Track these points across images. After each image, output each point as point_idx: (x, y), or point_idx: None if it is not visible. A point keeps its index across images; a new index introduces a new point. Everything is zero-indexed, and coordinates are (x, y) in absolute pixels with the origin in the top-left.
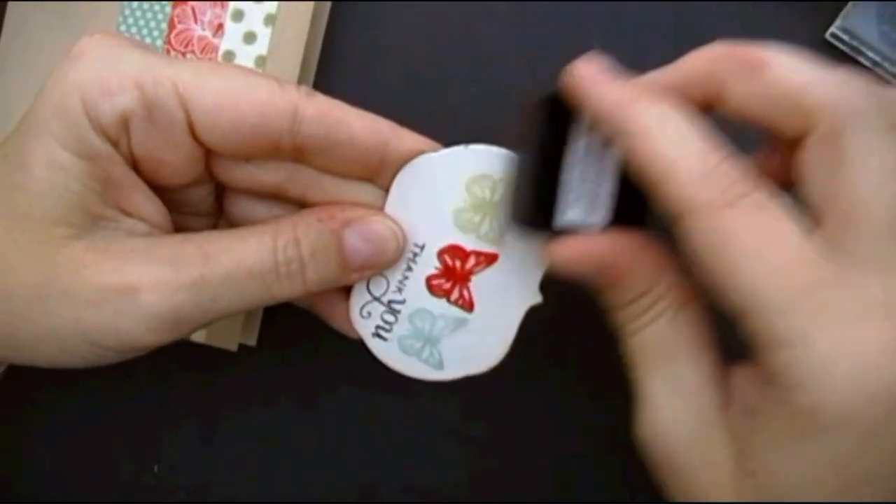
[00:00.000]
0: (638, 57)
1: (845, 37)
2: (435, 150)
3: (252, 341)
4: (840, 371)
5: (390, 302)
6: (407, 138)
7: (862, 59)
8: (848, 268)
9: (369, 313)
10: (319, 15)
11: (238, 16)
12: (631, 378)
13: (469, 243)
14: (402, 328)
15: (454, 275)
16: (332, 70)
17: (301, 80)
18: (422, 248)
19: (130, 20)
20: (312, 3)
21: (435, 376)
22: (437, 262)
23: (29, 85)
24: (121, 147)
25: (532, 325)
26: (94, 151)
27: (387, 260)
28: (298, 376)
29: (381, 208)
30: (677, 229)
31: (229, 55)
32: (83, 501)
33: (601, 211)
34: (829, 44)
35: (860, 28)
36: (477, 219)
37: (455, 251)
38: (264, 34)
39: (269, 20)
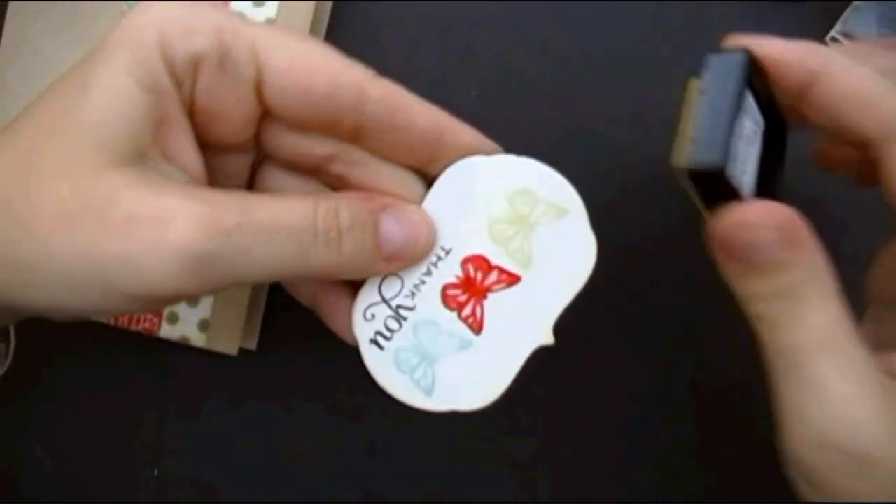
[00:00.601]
0: (640, 58)
1: (845, 41)
2: (492, 152)
3: (252, 345)
4: None
5: (399, 307)
6: (465, 133)
7: None
8: None
9: (373, 315)
10: (320, 16)
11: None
12: (781, 377)
13: (496, 257)
14: (403, 338)
15: (472, 287)
16: None
17: None
18: (447, 252)
19: None
20: (313, 4)
21: (420, 402)
22: (459, 270)
23: (29, 87)
24: (184, 89)
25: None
26: (159, 86)
27: (417, 252)
28: (299, 381)
29: (420, 203)
30: (878, 154)
31: None
32: (84, 502)
33: (749, 179)
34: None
35: (860, 31)
36: (511, 232)
37: (480, 262)
38: None
39: (270, 23)
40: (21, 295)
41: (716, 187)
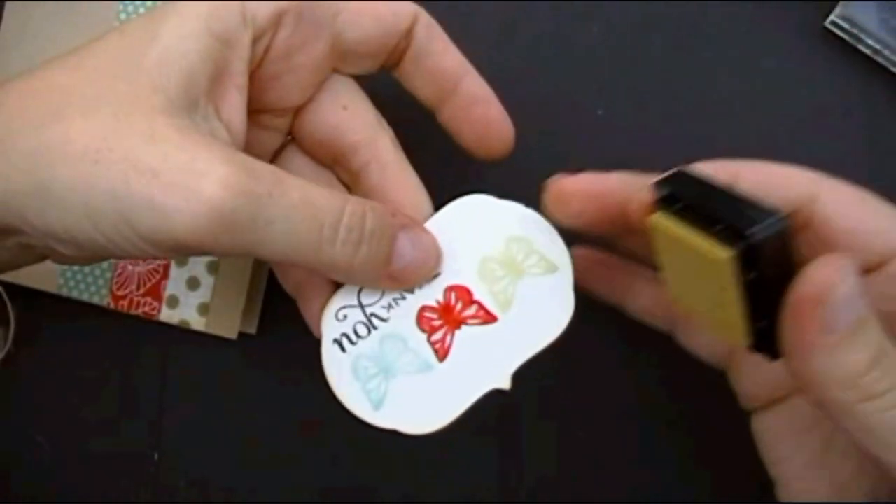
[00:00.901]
0: (636, 48)
1: (845, 24)
2: (499, 116)
3: (252, 329)
4: None
5: (373, 315)
6: (480, 86)
7: (861, 47)
8: None
9: (345, 317)
10: None
11: None
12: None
13: (479, 293)
14: (367, 346)
15: (449, 315)
16: None
17: None
18: (435, 277)
19: (130, 8)
20: None
21: (366, 414)
22: (441, 295)
23: None
24: (259, 45)
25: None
26: (229, 36)
27: (419, 277)
28: (298, 364)
29: (425, 215)
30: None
31: None
32: (84, 489)
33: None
34: (829, 31)
35: (860, 16)
36: (500, 273)
37: (463, 293)
38: None
39: None
40: (38, 217)
41: (781, 255)
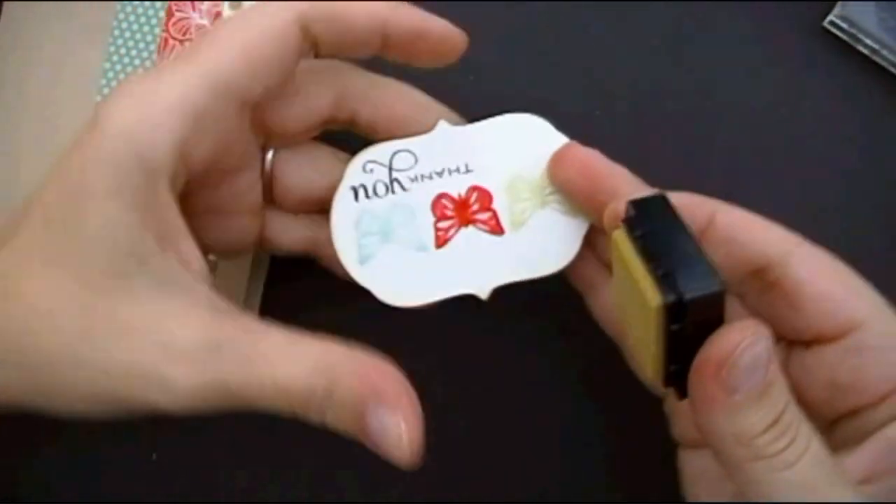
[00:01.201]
0: (634, 47)
1: (844, 24)
2: (435, 23)
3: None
4: None
5: (396, 180)
6: (404, 13)
7: (860, 47)
8: None
9: (371, 170)
10: None
11: (236, 4)
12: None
13: (499, 203)
14: (378, 205)
15: (463, 211)
16: None
17: None
18: (467, 171)
19: (129, 8)
20: None
21: (349, 264)
22: (464, 190)
23: (26, 85)
24: (178, 179)
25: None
26: (149, 199)
27: (391, 458)
28: None
29: (428, 108)
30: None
31: None
32: (82, 487)
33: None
34: (828, 31)
35: (858, 16)
36: (525, 195)
37: (484, 196)
38: None
39: None
40: (46, 402)
41: (708, 315)
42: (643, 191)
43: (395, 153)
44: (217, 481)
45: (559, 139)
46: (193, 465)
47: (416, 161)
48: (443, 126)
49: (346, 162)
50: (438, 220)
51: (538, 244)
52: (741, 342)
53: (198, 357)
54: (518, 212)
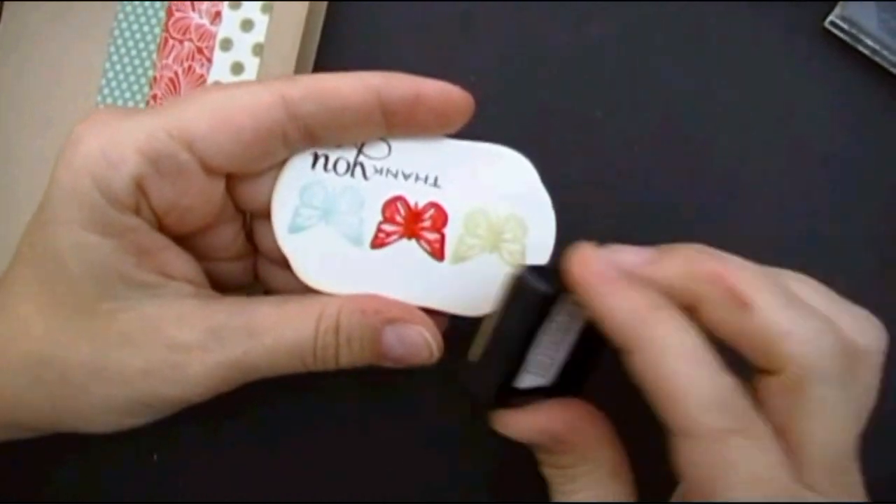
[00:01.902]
0: (635, 48)
1: (844, 25)
2: (430, 85)
3: None
4: None
5: (360, 164)
6: (397, 82)
7: (861, 48)
8: (804, 492)
9: (340, 146)
10: (315, 16)
11: (236, 3)
12: None
13: (451, 230)
14: (331, 182)
15: (412, 223)
16: (330, 58)
17: (299, 67)
18: (435, 183)
19: (129, 8)
20: (307, 4)
21: (279, 228)
22: (422, 202)
23: (28, 75)
24: (143, 211)
25: None
26: (119, 226)
27: (418, 363)
28: None
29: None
30: (673, 444)
31: (227, 43)
32: (82, 488)
33: (551, 374)
34: (829, 32)
35: (859, 16)
36: (480, 231)
37: (440, 217)
38: (262, 21)
39: (267, 8)
40: (66, 423)
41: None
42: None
43: (364, 144)
44: (217, 483)
45: (534, 188)
46: (194, 467)
47: (389, 154)
48: None
49: None
50: (385, 221)
51: (471, 285)
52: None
53: (203, 346)
54: (466, 246)
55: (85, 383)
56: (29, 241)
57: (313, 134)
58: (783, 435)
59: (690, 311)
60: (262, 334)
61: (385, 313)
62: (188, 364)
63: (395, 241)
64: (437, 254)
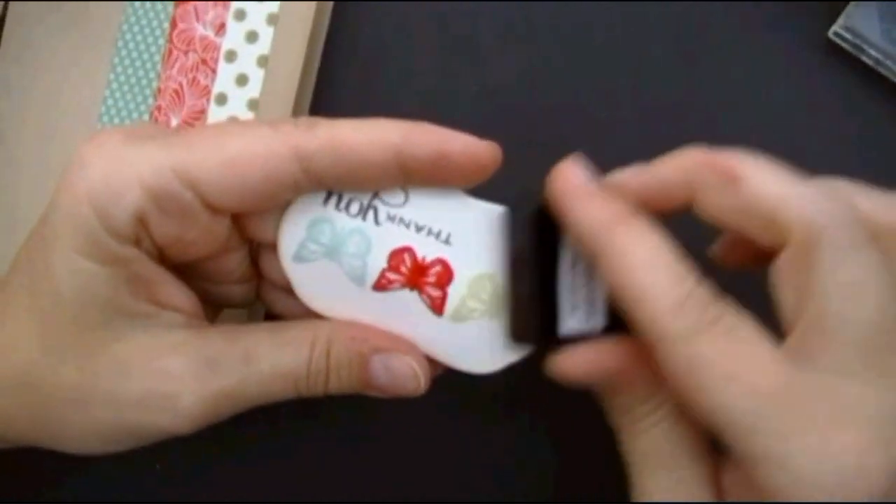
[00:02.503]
0: (639, 58)
1: (848, 35)
2: (455, 142)
3: None
4: (817, 483)
5: (373, 208)
6: (418, 138)
7: (864, 58)
8: (819, 378)
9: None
10: (322, 13)
11: (240, 15)
12: (630, 475)
13: (454, 289)
14: (341, 222)
15: (416, 276)
16: (334, 70)
17: (303, 79)
18: (447, 239)
19: (133, 20)
20: (315, 2)
21: (284, 254)
22: (430, 257)
23: (32, 86)
24: (143, 243)
25: None
26: (116, 256)
27: (405, 394)
28: None
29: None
30: (653, 353)
31: (231, 55)
32: (84, 498)
33: (598, 315)
34: (832, 43)
35: (863, 27)
36: (483, 297)
37: (445, 276)
38: (266, 33)
39: (272, 20)
40: (54, 445)
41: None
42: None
43: (381, 191)
44: (221, 492)
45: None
46: (196, 477)
47: (405, 202)
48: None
49: None
50: (389, 269)
51: (467, 344)
52: (566, 369)
53: (197, 375)
54: (467, 308)
55: (70, 408)
56: (28, 255)
57: (325, 184)
58: (801, 317)
59: (691, 204)
60: (259, 361)
61: (373, 342)
62: (181, 394)
63: (396, 288)
64: (437, 308)
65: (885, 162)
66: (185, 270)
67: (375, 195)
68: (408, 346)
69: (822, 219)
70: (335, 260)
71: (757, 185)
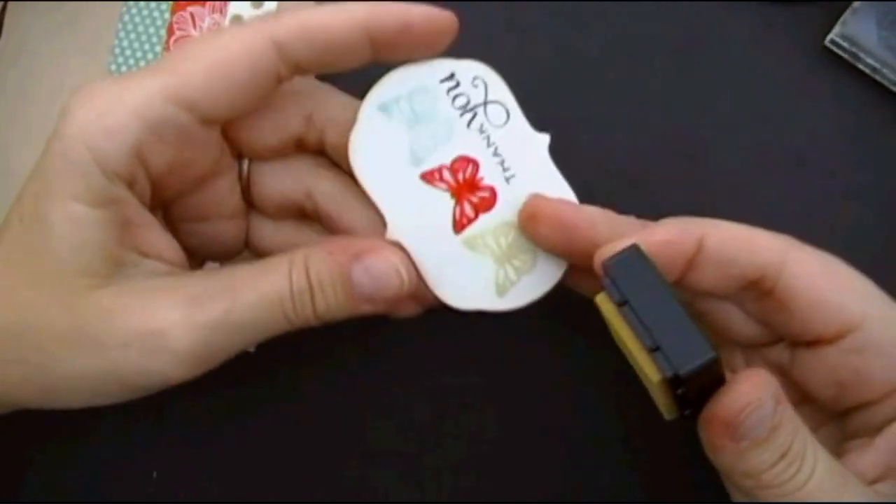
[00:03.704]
0: (638, 63)
1: (845, 43)
2: (415, 11)
3: (251, 347)
4: None
5: (474, 111)
6: (382, 12)
7: (861, 66)
8: None
9: (460, 83)
10: None
11: (237, 21)
12: None
13: (486, 218)
14: (444, 105)
15: (464, 187)
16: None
17: None
18: (510, 174)
19: (129, 26)
20: (311, 5)
21: (369, 99)
22: (487, 181)
23: (29, 89)
24: (137, 184)
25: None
26: (109, 197)
27: (392, 294)
28: (296, 381)
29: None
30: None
31: None
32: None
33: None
34: (829, 50)
35: (859, 34)
36: (499, 243)
37: (488, 203)
38: None
39: None
40: (45, 399)
41: (706, 379)
42: (619, 231)
43: (509, 96)
44: (217, 500)
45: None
46: (193, 484)
47: (504, 124)
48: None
49: (324, 168)
50: (448, 168)
51: (457, 272)
52: (747, 404)
53: (184, 312)
54: (482, 243)
55: (60, 354)
56: (18, 213)
57: (303, 68)
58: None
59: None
60: (242, 290)
61: (351, 248)
62: (168, 330)
63: (440, 188)
64: (458, 226)
65: (881, 168)
66: (175, 213)
67: (485, 103)
68: (387, 247)
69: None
70: (411, 130)
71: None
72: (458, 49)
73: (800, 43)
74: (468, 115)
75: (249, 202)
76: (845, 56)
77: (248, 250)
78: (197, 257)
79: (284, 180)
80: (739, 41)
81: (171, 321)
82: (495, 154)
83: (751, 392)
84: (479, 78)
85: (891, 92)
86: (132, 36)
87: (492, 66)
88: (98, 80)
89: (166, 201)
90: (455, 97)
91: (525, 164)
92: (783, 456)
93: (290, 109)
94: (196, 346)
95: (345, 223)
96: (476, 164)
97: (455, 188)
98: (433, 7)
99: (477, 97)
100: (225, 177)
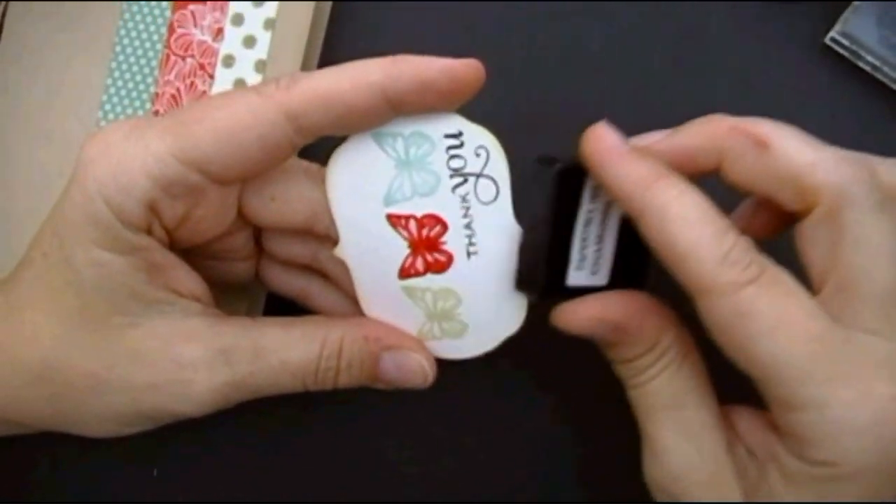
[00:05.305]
0: (638, 61)
1: (845, 41)
2: (434, 67)
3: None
4: (854, 429)
5: (467, 177)
6: (399, 72)
7: (861, 64)
8: (854, 333)
9: (462, 145)
10: (319, 17)
11: (238, 20)
12: (639, 424)
13: (430, 279)
14: (439, 159)
15: (422, 243)
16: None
17: None
18: (474, 249)
19: (130, 24)
20: (312, 5)
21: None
22: (448, 246)
23: (29, 88)
24: (155, 230)
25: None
26: (132, 245)
27: (411, 387)
28: None
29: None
30: (697, 305)
31: (229, 59)
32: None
33: (603, 273)
34: (829, 48)
35: (860, 32)
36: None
37: (439, 265)
38: (264, 38)
39: (269, 24)
40: (72, 428)
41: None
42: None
43: (506, 175)
44: (217, 497)
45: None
46: (194, 481)
47: (489, 204)
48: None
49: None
50: (416, 218)
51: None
52: (571, 322)
53: (210, 365)
54: (419, 297)
55: (89, 393)
56: (41, 251)
57: (320, 134)
58: (830, 276)
59: (718, 170)
60: (269, 356)
61: (385, 340)
62: (194, 382)
63: (402, 235)
64: (403, 273)
65: None
66: (193, 250)
67: (479, 175)
68: (415, 343)
69: (850, 182)
70: (398, 170)
71: (786, 150)
72: (455, 47)
73: (800, 41)
74: (458, 180)
75: (261, 248)
76: (846, 54)
77: (258, 280)
78: (208, 284)
79: (292, 248)
80: (739, 39)
81: (196, 375)
82: (468, 227)
83: (572, 320)
84: (483, 147)
85: (891, 90)
86: (133, 34)
87: (491, 66)
88: (111, 128)
89: (183, 247)
90: (453, 157)
91: (491, 249)
92: (625, 364)
93: (296, 203)
94: (216, 399)
95: (349, 285)
96: (445, 227)
97: (415, 242)
98: (455, 60)
99: (474, 166)
100: (241, 232)
